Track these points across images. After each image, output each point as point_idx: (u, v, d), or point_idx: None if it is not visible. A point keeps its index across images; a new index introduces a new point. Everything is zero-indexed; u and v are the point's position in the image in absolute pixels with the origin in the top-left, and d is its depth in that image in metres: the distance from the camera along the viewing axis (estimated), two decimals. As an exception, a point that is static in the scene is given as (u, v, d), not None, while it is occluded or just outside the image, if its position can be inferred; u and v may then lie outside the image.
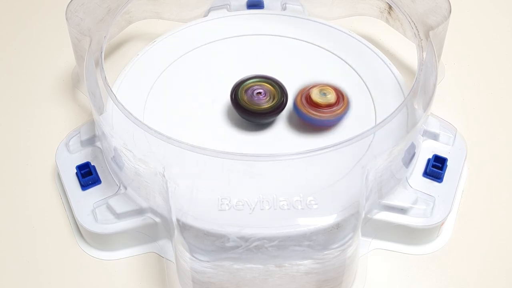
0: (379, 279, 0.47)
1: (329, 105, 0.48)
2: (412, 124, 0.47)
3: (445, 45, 0.53)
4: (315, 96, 0.48)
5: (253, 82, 0.49)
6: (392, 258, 0.48)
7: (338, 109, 0.48)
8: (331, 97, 0.48)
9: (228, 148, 0.47)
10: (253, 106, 0.48)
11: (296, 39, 0.56)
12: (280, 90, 0.49)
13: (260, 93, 0.48)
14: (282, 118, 0.50)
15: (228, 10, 0.58)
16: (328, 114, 0.48)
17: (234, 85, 0.49)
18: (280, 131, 0.49)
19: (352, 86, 0.52)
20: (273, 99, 0.49)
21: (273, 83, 0.49)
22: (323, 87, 0.48)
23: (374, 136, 0.47)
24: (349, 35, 0.56)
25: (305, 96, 0.48)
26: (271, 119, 0.49)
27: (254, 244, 0.41)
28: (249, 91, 0.49)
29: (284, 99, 0.49)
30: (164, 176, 0.43)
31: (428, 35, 0.49)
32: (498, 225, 0.49)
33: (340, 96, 0.48)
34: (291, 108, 0.50)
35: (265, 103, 0.48)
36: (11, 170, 0.53)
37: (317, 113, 0.48)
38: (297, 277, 0.42)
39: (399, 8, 0.52)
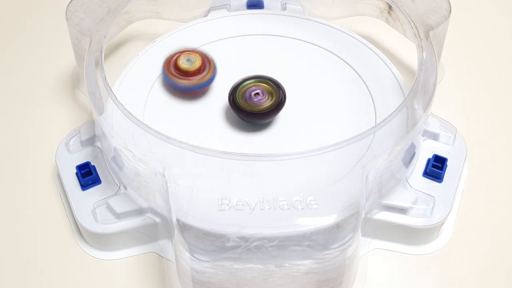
0: (379, 279, 0.47)
1: (196, 72, 0.50)
2: (412, 124, 0.47)
3: (445, 45, 0.53)
4: (182, 63, 0.50)
5: (249, 83, 0.49)
6: (392, 258, 0.48)
7: (205, 75, 0.50)
8: (197, 64, 0.50)
9: (228, 148, 0.47)
10: (253, 107, 0.48)
11: (296, 39, 0.56)
12: (276, 87, 0.49)
13: (258, 93, 0.49)
14: (281, 117, 0.50)
15: (228, 10, 0.58)
16: (195, 81, 0.50)
17: (231, 89, 0.49)
18: (280, 130, 0.49)
19: (352, 86, 0.52)
20: (272, 97, 0.49)
21: (268, 81, 0.49)
22: (189, 53, 0.51)
23: (374, 136, 0.47)
24: (349, 35, 0.56)
25: (173, 63, 0.50)
26: (272, 118, 0.49)
27: (254, 244, 0.41)
28: (247, 94, 0.49)
29: (282, 96, 0.49)
30: (164, 176, 0.43)
31: (428, 35, 0.49)
32: (498, 225, 0.49)
33: (206, 62, 0.51)
34: (296, 105, 0.50)
35: (265, 103, 0.48)
36: (11, 170, 0.53)
37: (184, 80, 0.50)
38: (297, 277, 0.42)
39: (399, 8, 0.52)
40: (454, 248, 0.48)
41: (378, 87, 0.52)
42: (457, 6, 0.56)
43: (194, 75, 0.50)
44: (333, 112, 0.50)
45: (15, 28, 0.64)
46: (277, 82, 0.49)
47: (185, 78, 0.50)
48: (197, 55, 0.51)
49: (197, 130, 0.49)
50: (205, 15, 0.59)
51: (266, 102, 0.48)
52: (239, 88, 0.49)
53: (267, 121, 0.49)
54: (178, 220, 0.42)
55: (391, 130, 0.46)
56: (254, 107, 0.48)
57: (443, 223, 0.47)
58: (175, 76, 0.50)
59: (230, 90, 0.49)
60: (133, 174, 0.46)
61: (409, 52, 0.57)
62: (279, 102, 0.49)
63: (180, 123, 0.50)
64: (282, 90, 0.49)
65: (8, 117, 0.56)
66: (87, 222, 0.47)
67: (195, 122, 0.50)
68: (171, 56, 0.51)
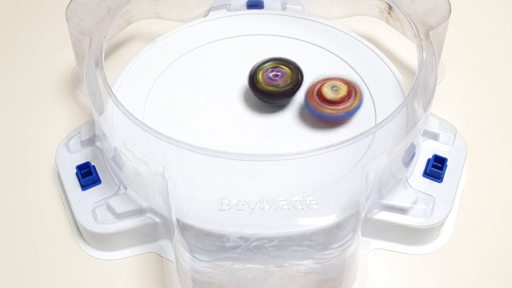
0: (379, 279, 0.47)
1: (341, 100, 0.48)
2: (412, 124, 0.47)
3: (445, 45, 0.53)
4: (326, 92, 0.48)
5: (269, 64, 0.50)
6: (392, 258, 0.48)
7: (351, 104, 0.48)
8: (343, 92, 0.48)
9: (228, 148, 0.47)
10: (270, 87, 0.49)
11: (296, 39, 0.56)
12: (296, 70, 0.50)
13: (277, 75, 0.49)
14: (281, 117, 0.50)
15: (228, 10, 0.58)
16: (341, 109, 0.48)
17: (252, 69, 0.50)
18: (280, 131, 0.49)
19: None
20: (289, 79, 0.49)
21: (289, 64, 0.50)
22: (334, 81, 0.49)
23: (374, 136, 0.47)
24: (349, 35, 0.56)
25: (317, 92, 0.48)
26: (290, 98, 0.50)
27: (254, 244, 0.41)
28: (266, 74, 0.50)
29: (300, 78, 0.50)
30: (164, 176, 0.43)
31: (428, 35, 0.49)
32: (498, 225, 0.49)
33: (352, 90, 0.48)
34: (296, 105, 0.50)
35: (282, 84, 0.49)
36: (11, 170, 0.53)
37: (329, 109, 0.48)
38: (297, 277, 0.42)
39: (399, 8, 0.52)
40: (454, 248, 0.48)
41: (378, 87, 0.52)
42: (457, 6, 0.56)
43: (340, 104, 0.48)
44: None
45: (15, 28, 0.64)
46: (298, 66, 0.50)
47: (330, 106, 0.48)
48: (342, 82, 0.49)
49: (197, 130, 0.49)
50: (205, 15, 0.59)
51: (284, 84, 0.49)
52: (260, 68, 0.50)
53: (285, 101, 0.50)
54: (178, 220, 0.42)
55: (391, 130, 0.46)
56: (271, 87, 0.49)
57: (443, 223, 0.47)
58: (319, 105, 0.48)
59: (250, 70, 0.50)
60: (133, 174, 0.46)
61: (409, 52, 0.57)
62: (295, 84, 0.49)
63: (180, 123, 0.50)
64: (300, 74, 0.50)
65: (8, 117, 0.56)
66: (87, 222, 0.47)
67: (195, 122, 0.50)
68: (314, 85, 0.49)
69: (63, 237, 0.49)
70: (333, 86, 0.48)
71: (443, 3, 0.51)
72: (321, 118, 0.49)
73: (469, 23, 0.63)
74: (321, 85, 0.48)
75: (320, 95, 0.48)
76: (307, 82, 0.50)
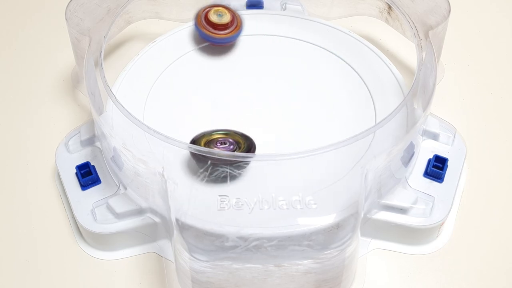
0: (379, 279, 0.47)
1: (225, 26, 0.53)
2: (411, 124, 0.47)
3: (445, 45, 0.53)
4: (213, 17, 0.53)
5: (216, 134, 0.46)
6: (392, 258, 0.48)
7: (232, 30, 0.54)
8: (226, 18, 0.53)
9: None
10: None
11: (296, 39, 0.56)
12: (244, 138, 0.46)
13: (224, 142, 0.45)
14: (281, 117, 0.50)
15: (228, 10, 0.58)
16: (224, 34, 0.53)
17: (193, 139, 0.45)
18: (280, 131, 0.49)
19: (352, 86, 0.52)
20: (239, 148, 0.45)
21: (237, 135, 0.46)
22: (219, 8, 0.54)
23: (373, 135, 0.47)
24: (349, 35, 0.56)
25: (204, 16, 0.54)
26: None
27: (253, 243, 0.41)
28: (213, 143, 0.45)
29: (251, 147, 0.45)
30: (164, 176, 0.43)
31: (427, 35, 0.49)
32: (498, 225, 0.49)
33: (235, 18, 0.54)
34: (295, 106, 0.50)
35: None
36: (11, 170, 0.53)
37: (214, 33, 0.53)
38: (296, 277, 0.42)
39: (399, 8, 0.52)
40: (454, 248, 0.48)
41: (378, 86, 0.52)
42: (457, 6, 0.56)
43: (224, 29, 0.54)
44: (333, 112, 0.50)
45: (15, 28, 0.64)
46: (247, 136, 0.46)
47: (216, 32, 0.53)
48: (226, 10, 0.54)
49: (197, 130, 0.49)
50: (205, 15, 0.59)
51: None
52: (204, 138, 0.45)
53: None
54: (177, 220, 0.42)
55: (391, 129, 0.46)
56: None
57: (443, 223, 0.47)
58: (206, 30, 0.53)
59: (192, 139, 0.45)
60: (133, 174, 0.46)
61: (409, 52, 0.57)
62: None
63: (180, 123, 0.50)
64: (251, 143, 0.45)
65: (8, 117, 0.56)
66: (87, 222, 0.47)
67: (195, 122, 0.50)
68: (202, 10, 0.54)
69: (63, 237, 0.49)
70: (218, 13, 0.54)
71: (442, 3, 0.51)
72: (208, 40, 0.54)
73: (469, 23, 0.63)
74: (208, 11, 0.54)
75: (206, 19, 0.54)
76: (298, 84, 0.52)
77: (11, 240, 0.49)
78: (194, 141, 0.45)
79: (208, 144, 0.45)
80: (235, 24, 0.54)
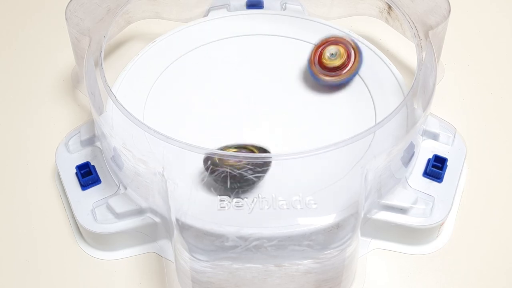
0: (379, 279, 0.47)
1: (341, 66, 0.49)
2: (411, 124, 0.47)
3: (445, 45, 0.53)
4: (325, 59, 0.49)
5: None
6: (392, 258, 0.48)
7: (350, 68, 0.49)
8: (341, 56, 0.49)
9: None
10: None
11: (296, 39, 0.56)
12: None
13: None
14: (281, 117, 0.50)
15: (228, 10, 0.58)
16: (341, 75, 0.49)
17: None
18: (280, 131, 0.49)
19: (352, 86, 0.52)
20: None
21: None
22: (332, 46, 0.49)
23: (373, 135, 0.47)
24: (349, 35, 0.56)
25: (317, 59, 0.50)
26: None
27: (253, 243, 0.41)
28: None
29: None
30: (164, 176, 0.43)
31: (427, 35, 0.49)
32: (498, 225, 0.49)
33: (351, 52, 0.49)
34: (295, 106, 0.50)
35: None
36: (11, 170, 0.53)
37: (330, 76, 0.49)
38: (296, 276, 0.42)
39: (399, 8, 0.52)
40: (454, 248, 0.48)
41: (378, 86, 0.52)
42: (457, 6, 0.56)
43: (342, 69, 0.49)
44: (333, 112, 0.50)
45: (15, 28, 0.64)
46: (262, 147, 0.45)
47: (333, 74, 0.49)
48: (340, 47, 0.50)
49: (197, 130, 0.49)
50: (205, 15, 0.59)
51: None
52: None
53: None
54: (177, 220, 0.42)
55: (391, 129, 0.46)
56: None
57: (442, 223, 0.47)
58: (322, 74, 0.50)
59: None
60: (133, 174, 0.46)
61: (409, 52, 0.57)
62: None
63: (180, 123, 0.50)
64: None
65: (8, 117, 0.56)
66: (87, 222, 0.47)
67: (195, 122, 0.50)
68: (314, 53, 0.50)
69: (63, 237, 0.49)
70: (331, 53, 0.49)
71: (442, 3, 0.51)
72: (325, 85, 0.50)
73: (469, 23, 0.63)
74: (321, 53, 0.50)
75: (320, 63, 0.50)
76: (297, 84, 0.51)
77: (11, 240, 0.49)
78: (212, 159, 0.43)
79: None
80: (351, 62, 0.50)
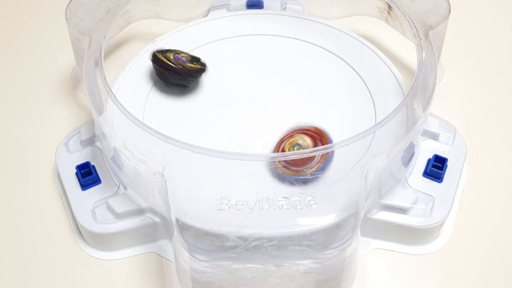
0: (379, 279, 0.47)
1: (306, 160, 0.43)
2: (411, 124, 0.47)
3: (445, 45, 0.53)
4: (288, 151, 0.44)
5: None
6: (392, 258, 0.48)
7: (316, 163, 0.43)
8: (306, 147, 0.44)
9: (227, 148, 0.47)
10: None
11: (296, 39, 0.56)
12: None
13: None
14: (281, 117, 0.50)
15: (228, 10, 0.58)
16: (305, 170, 0.43)
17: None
18: (280, 130, 0.49)
19: (352, 86, 0.52)
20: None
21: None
22: (295, 138, 0.45)
23: (374, 135, 0.47)
24: (349, 35, 0.56)
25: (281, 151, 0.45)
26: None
27: (253, 243, 0.41)
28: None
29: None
30: (164, 176, 0.43)
31: (427, 35, 0.49)
32: (498, 225, 0.49)
33: (318, 142, 0.44)
34: (295, 105, 0.50)
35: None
36: (11, 170, 0.53)
37: (294, 171, 0.43)
38: (296, 276, 0.42)
39: (399, 8, 0.52)
40: (454, 248, 0.48)
41: (378, 87, 0.52)
42: (457, 6, 0.56)
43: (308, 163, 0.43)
44: (333, 112, 0.50)
45: (15, 28, 0.64)
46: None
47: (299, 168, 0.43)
48: (306, 137, 0.44)
49: (197, 130, 0.49)
50: (205, 15, 0.59)
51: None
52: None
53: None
54: (177, 220, 0.42)
55: (391, 129, 0.46)
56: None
57: (442, 223, 0.47)
58: (289, 170, 0.43)
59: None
60: (133, 174, 0.46)
61: (409, 52, 0.57)
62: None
63: (179, 123, 0.50)
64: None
65: (8, 117, 0.56)
66: (87, 222, 0.47)
67: (195, 122, 0.50)
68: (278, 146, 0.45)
69: (63, 237, 0.49)
70: (295, 145, 0.45)
71: (442, 3, 0.51)
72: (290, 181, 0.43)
73: (469, 23, 0.63)
74: (284, 145, 0.45)
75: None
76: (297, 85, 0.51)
77: (11, 240, 0.49)
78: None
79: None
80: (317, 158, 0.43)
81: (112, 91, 0.47)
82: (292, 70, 0.53)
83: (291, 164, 0.43)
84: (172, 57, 0.50)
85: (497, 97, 0.57)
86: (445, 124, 0.51)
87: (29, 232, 0.49)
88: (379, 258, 0.47)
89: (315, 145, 0.44)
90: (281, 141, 0.45)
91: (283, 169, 0.43)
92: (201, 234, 0.42)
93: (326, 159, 0.43)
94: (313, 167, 0.43)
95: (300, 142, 0.44)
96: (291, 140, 0.45)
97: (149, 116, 0.50)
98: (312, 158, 0.43)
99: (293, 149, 0.44)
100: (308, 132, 0.45)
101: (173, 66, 0.50)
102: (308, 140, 0.44)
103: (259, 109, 0.51)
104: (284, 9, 0.59)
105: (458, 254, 0.48)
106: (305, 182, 0.43)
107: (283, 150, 0.44)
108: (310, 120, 0.50)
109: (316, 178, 0.43)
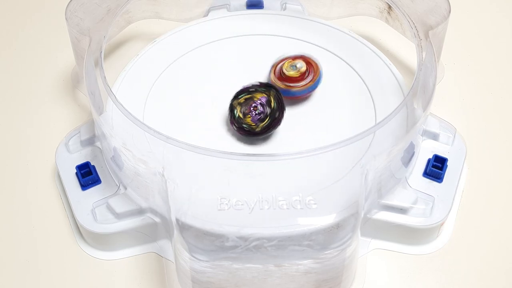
0: (379, 279, 0.47)
1: (301, 76, 0.50)
2: (411, 124, 0.47)
3: (445, 45, 0.53)
4: (287, 70, 0.50)
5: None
6: (392, 258, 0.48)
7: (311, 79, 0.50)
8: (302, 67, 0.50)
9: (227, 148, 0.47)
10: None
11: (296, 39, 0.56)
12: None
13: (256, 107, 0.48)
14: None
15: (228, 10, 0.58)
16: (302, 85, 0.50)
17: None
18: (280, 130, 0.49)
19: (352, 86, 0.52)
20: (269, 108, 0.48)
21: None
22: (293, 60, 0.50)
23: (374, 135, 0.47)
24: (349, 35, 0.56)
25: (278, 72, 0.50)
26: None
27: (253, 243, 0.41)
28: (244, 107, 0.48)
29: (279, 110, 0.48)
30: (164, 176, 0.43)
31: (427, 35, 0.49)
32: (498, 225, 0.49)
33: (311, 65, 0.50)
34: (295, 105, 0.50)
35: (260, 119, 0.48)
36: (11, 170, 0.53)
37: (292, 85, 0.50)
38: (296, 276, 0.42)
39: (399, 8, 0.52)
40: (454, 248, 0.48)
41: (378, 87, 0.52)
42: (457, 6, 0.56)
43: (300, 81, 0.50)
44: (333, 112, 0.50)
45: (15, 28, 0.64)
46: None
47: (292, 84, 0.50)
48: (300, 60, 0.51)
49: (197, 130, 0.49)
50: (205, 15, 0.59)
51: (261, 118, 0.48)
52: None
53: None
54: (177, 220, 0.42)
55: (391, 129, 0.46)
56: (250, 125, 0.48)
57: (443, 223, 0.47)
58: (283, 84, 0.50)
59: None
60: (133, 174, 0.46)
61: (409, 52, 0.57)
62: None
63: (180, 123, 0.50)
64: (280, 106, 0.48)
65: (8, 117, 0.56)
66: (87, 222, 0.47)
67: (195, 122, 0.50)
68: (276, 64, 0.51)
69: (63, 237, 0.49)
70: (292, 65, 0.50)
71: (442, 3, 0.51)
72: (286, 95, 0.50)
73: (469, 23, 0.63)
74: (282, 65, 0.50)
75: (282, 74, 0.50)
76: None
77: (11, 240, 0.49)
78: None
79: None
80: (312, 73, 0.50)
81: (112, 91, 0.47)
82: (292, 70, 0.53)
83: (285, 80, 0.50)
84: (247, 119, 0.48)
85: (497, 97, 0.57)
86: (445, 124, 0.51)
87: (29, 232, 0.49)
88: (379, 258, 0.47)
89: (309, 66, 0.50)
90: (276, 64, 0.51)
91: (278, 82, 0.50)
92: (201, 234, 0.42)
93: (316, 80, 0.50)
94: (306, 85, 0.50)
95: (296, 64, 0.50)
96: (289, 62, 0.50)
97: (149, 116, 0.50)
98: (303, 77, 0.50)
99: (291, 69, 0.50)
100: (299, 57, 0.51)
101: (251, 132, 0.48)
102: (302, 62, 0.50)
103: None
104: (284, 9, 0.59)
105: (458, 254, 0.48)
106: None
107: (280, 69, 0.50)
108: (310, 120, 0.50)
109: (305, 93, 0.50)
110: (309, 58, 0.51)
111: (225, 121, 0.50)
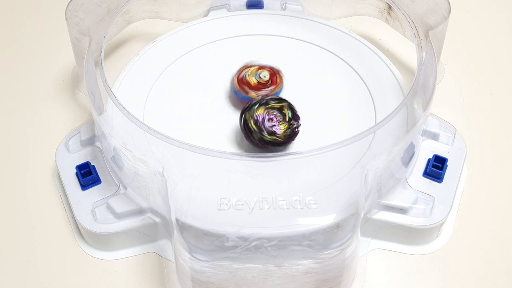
0: (379, 279, 0.47)
1: (265, 84, 0.50)
2: (411, 124, 0.47)
3: (445, 45, 0.53)
4: (251, 77, 0.50)
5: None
6: (392, 258, 0.48)
7: (275, 87, 0.50)
8: (265, 76, 0.50)
9: (227, 148, 0.47)
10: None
11: (296, 39, 0.56)
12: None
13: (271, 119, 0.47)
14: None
15: (228, 10, 0.58)
16: (264, 92, 0.49)
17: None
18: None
19: (352, 86, 0.52)
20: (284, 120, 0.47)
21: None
22: (260, 69, 0.50)
23: (374, 135, 0.47)
24: (349, 35, 0.56)
25: (242, 79, 0.50)
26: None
27: (253, 243, 0.41)
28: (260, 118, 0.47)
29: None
30: (164, 176, 0.43)
31: (427, 35, 0.49)
32: (498, 225, 0.49)
33: (275, 74, 0.50)
34: (295, 105, 0.50)
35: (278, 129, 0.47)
36: (11, 170, 0.53)
37: (248, 92, 0.49)
38: (296, 276, 0.42)
39: (399, 8, 0.52)
40: (454, 248, 0.48)
41: (378, 87, 0.52)
42: (457, 6, 0.56)
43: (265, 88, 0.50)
44: (333, 112, 0.50)
45: (15, 28, 0.64)
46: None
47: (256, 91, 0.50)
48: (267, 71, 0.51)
49: (197, 130, 0.49)
50: (205, 15, 0.59)
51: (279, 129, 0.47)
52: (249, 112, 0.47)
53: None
54: (177, 220, 0.42)
55: (391, 130, 0.46)
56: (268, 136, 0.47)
57: (443, 223, 0.47)
58: (245, 91, 0.50)
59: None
60: (133, 174, 0.46)
61: (409, 52, 0.57)
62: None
63: (180, 123, 0.50)
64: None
65: (8, 117, 0.56)
66: (87, 222, 0.47)
67: (195, 122, 0.50)
68: (239, 72, 0.51)
69: (63, 237, 0.49)
70: (256, 73, 0.50)
71: (442, 3, 0.51)
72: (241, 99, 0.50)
73: (469, 23, 0.63)
74: (245, 72, 0.50)
75: (245, 81, 0.50)
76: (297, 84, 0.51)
77: (11, 240, 0.49)
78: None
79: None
80: (272, 86, 0.50)
81: (112, 91, 0.47)
82: (292, 70, 0.53)
83: (250, 87, 0.49)
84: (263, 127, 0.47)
85: (497, 97, 0.57)
86: (445, 124, 0.51)
87: (29, 232, 0.49)
88: (379, 258, 0.47)
89: (272, 75, 0.50)
90: (240, 72, 0.50)
91: (235, 82, 0.50)
92: (201, 234, 0.42)
93: (280, 88, 0.50)
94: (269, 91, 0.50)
95: (260, 73, 0.50)
96: (252, 69, 0.50)
97: (149, 116, 0.50)
98: (265, 85, 0.50)
99: (255, 77, 0.50)
100: (264, 67, 0.51)
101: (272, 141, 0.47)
102: (265, 72, 0.50)
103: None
104: (284, 9, 0.59)
105: (458, 254, 0.48)
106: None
107: (244, 77, 0.50)
108: (311, 120, 0.50)
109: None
110: (278, 72, 0.51)
111: (225, 121, 0.50)
